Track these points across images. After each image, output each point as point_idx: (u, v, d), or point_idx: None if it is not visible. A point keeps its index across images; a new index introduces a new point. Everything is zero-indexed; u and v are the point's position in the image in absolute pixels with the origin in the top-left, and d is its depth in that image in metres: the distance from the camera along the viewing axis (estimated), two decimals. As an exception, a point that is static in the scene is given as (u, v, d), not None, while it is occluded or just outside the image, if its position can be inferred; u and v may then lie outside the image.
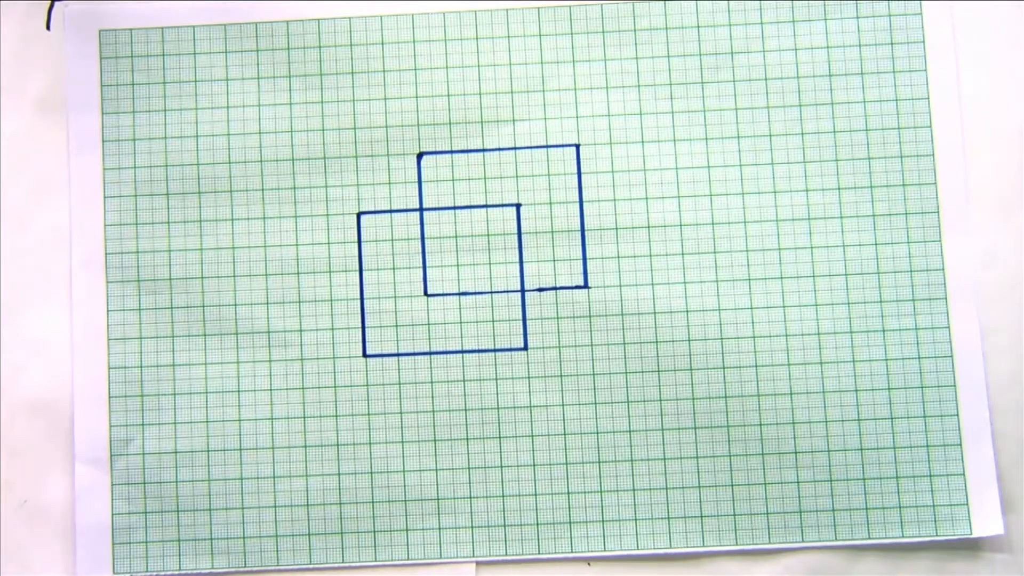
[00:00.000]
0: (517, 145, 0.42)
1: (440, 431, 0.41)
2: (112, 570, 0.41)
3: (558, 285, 0.42)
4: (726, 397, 0.41)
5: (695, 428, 0.41)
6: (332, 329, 0.42)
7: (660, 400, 0.41)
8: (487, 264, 0.42)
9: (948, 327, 0.41)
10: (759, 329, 0.41)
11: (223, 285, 0.42)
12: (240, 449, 0.41)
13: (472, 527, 0.41)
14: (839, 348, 0.41)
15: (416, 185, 0.42)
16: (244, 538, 0.41)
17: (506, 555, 0.41)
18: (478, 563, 0.41)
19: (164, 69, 0.43)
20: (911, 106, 0.42)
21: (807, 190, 0.42)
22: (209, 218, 0.42)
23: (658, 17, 0.43)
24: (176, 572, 0.41)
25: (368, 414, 0.41)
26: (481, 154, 0.42)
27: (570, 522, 0.41)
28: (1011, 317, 0.41)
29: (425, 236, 0.42)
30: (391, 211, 0.42)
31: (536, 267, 0.42)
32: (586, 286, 0.42)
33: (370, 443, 0.41)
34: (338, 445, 0.41)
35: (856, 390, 0.41)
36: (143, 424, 0.41)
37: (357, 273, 0.42)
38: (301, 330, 0.42)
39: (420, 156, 0.42)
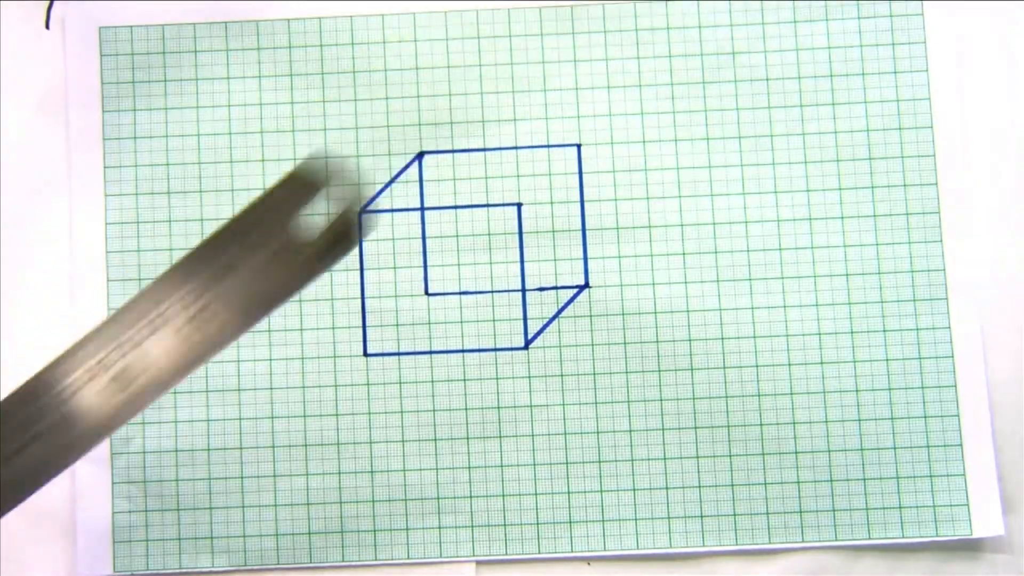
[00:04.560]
0: (518, 145, 0.42)
1: (440, 430, 0.41)
2: (113, 568, 0.41)
3: (559, 284, 0.42)
4: (726, 397, 0.41)
5: (695, 428, 0.41)
6: (333, 328, 0.42)
7: (660, 400, 0.41)
8: (488, 263, 0.42)
9: (949, 327, 0.41)
10: (760, 329, 0.41)
11: (224, 284, 0.42)
12: (241, 448, 0.41)
13: (472, 526, 0.41)
14: (840, 348, 0.41)
15: (417, 184, 0.42)
16: (244, 537, 0.41)
17: (506, 554, 0.41)
18: (478, 562, 0.41)
19: (165, 67, 0.43)
20: (912, 107, 0.42)
21: (808, 190, 0.42)
22: (210, 217, 0.42)
23: (659, 17, 0.42)
24: (177, 570, 0.41)
25: (369, 413, 0.41)
26: (482, 153, 0.42)
27: (570, 522, 0.41)
28: (1012, 317, 0.41)
29: (426, 235, 0.42)
30: (392, 210, 0.42)
31: (537, 266, 0.42)
32: (587, 286, 0.42)
33: (371, 442, 0.41)
34: (339, 444, 0.41)
35: (856, 390, 0.41)
36: (144, 423, 0.41)
37: (358, 272, 0.42)
38: (302, 329, 0.42)
39: (421, 155, 0.42)
